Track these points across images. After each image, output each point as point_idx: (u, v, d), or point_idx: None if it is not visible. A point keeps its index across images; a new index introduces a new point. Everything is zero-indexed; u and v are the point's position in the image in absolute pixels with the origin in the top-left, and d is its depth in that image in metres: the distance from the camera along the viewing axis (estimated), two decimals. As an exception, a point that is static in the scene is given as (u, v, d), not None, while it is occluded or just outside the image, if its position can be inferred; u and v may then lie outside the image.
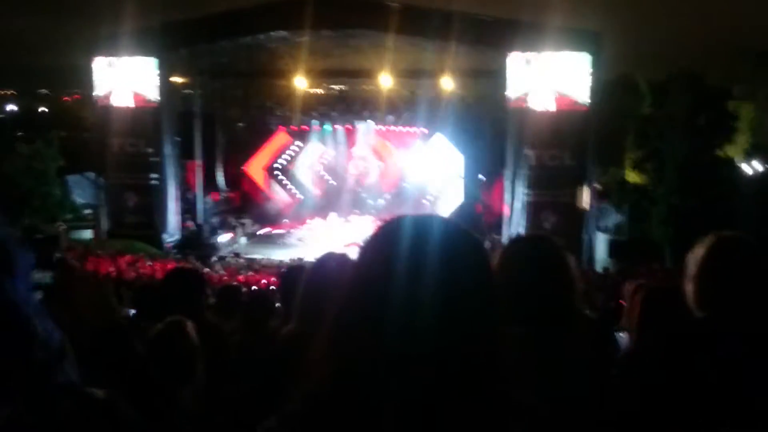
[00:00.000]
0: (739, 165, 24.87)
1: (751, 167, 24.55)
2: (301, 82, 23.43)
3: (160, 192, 21.95)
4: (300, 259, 17.32)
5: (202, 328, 2.98)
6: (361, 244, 1.09)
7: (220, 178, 26.13)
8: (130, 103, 21.74)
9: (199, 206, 23.87)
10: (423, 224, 1.04)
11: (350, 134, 26.89)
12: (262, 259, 21.66)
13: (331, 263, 2.26)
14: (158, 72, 21.46)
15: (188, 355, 2.36)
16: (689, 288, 2.07)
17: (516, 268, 1.68)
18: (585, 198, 20.28)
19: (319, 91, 25.52)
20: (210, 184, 24.98)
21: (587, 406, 1.55)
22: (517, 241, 1.92)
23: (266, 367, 2.12)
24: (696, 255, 2.07)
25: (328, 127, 26.69)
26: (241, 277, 16.48)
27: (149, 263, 17.10)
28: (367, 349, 0.98)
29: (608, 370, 2.06)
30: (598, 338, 2.07)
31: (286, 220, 26.39)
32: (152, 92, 21.60)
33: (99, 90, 21.97)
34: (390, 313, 0.96)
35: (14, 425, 1.09)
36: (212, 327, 3.33)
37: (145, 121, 21.64)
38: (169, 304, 2.92)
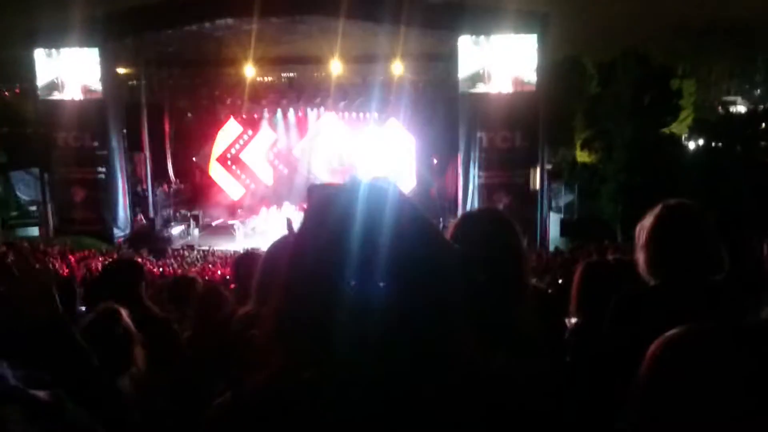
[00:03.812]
0: (683, 141, 25.55)
1: (694, 143, 25.25)
2: (250, 71, 23.12)
3: (108, 186, 21.47)
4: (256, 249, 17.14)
5: (142, 319, 2.94)
6: (305, 215, 1.06)
7: (171, 170, 25.67)
8: (74, 95, 21.16)
9: (150, 199, 23.42)
10: (370, 191, 1.01)
11: (302, 121, 26.70)
12: (217, 250, 21.41)
13: (290, 244, 2.24)
14: (101, 63, 20.91)
15: (123, 342, 2.33)
16: (640, 256, 2.12)
17: (467, 242, 1.69)
18: (537, 179, 20.58)
19: (269, 78, 25.22)
20: (160, 177, 24.53)
21: (540, 375, 1.58)
22: (468, 215, 1.93)
23: (220, 349, 2.10)
24: (645, 224, 2.12)
25: (279, 114, 26.47)
26: (195, 269, 16.26)
27: (100, 259, 16.74)
28: (316, 326, 0.96)
29: (559, 342, 2.10)
30: (550, 310, 2.10)
31: (240, 211, 26.10)
32: (96, 84, 21.06)
33: (40, 83, 21.34)
34: (338, 287, 0.95)
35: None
36: (154, 317, 3.31)
37: (89, 114, 21.10)
38: (108, 297, 2.89)
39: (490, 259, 1.70)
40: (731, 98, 38.56)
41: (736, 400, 0.76)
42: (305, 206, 1.06)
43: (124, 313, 2.50)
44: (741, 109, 35.04)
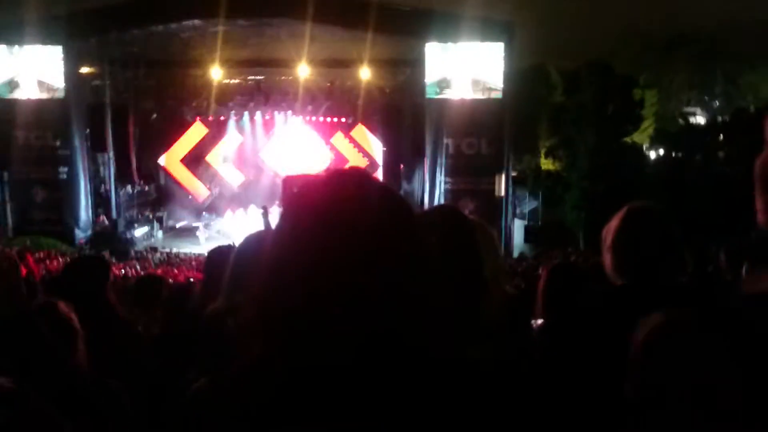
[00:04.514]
0: (644, 150, 26.07)
1: (655, 152, 25.78)
2: (216, 73, 22.95)
3: (70, 186, 21.10)
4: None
5: (106, 319, 2.90)
6: (283, 207, 1.08)
7: (135, 171, 25.31)
8: (35, 94, 20.77)
9: (113, 200, 23.07)
10: (345, 181, 1.04)
11: (269, 125, 26.58)
12: (180, 252, 21.17)
13: (262, 239, 2.26)
14: (64, 61, 20.56)
15: (61, 337, 2.27)
16: (607, 258, 2.18)
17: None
18: (502, 185, 20.80)
19: (236, 81, 25.06)
20: (124, 177, 24.17)
21: (510, 368, 1.61)
22: (423, 213, 1.96)
23: (190, 342, 2.10)
24: (611, 226, 2.18)
25: (245, 117, 26.31)
26: (158, 272, 16.05)
27: (60, 260, 16.43)
28: (298, 313, 0.98)
29: (525, 340, 2.15)
30: (514, 310, 2.15)
31: (205, 213, 25.87)
32: (58, 82, 20.69)
33: (0, 80, 20.89)
34: (319, 274, 0.97)
35: None
36: (119, 317, 3.27)
37: (51, 113, 20.73)
38: (71, 295, 2.84)
39: (444, 254, 1.71)
40: (691, 109, 39.42)
41: (721, 380, 0.79)
42: (282, 197, 1.08)
43: (63, 306, 2.43)
44: (700, 120, 35.84)
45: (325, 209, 1.00)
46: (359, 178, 1.05)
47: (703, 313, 0.86)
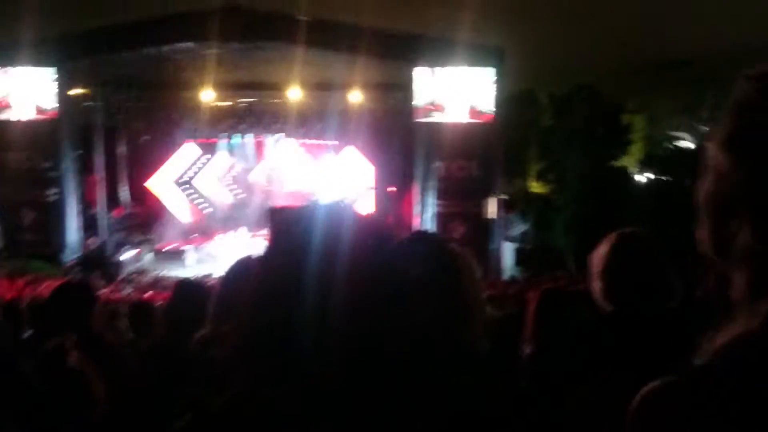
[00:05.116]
0: (632, 175, 26.22)
1: (643, 176, 25.94)
2: (208, 95, 23.00)
3: (59, 208, 20.97)
4: (209, 275, 16.94)
5: (91, 345, 2.88)
6: (268, 237, 1.09)
7: (124, 193, 25.24)
8: (26, 115, 20.72)
9: (102, 223, 22.95)
10: (330, 213, 1.06)
11: (260, 147, 26.60)
12: (169, 276, 21.03)
13: (248, 267, 2.26)
14: (56, 83, 20.55)
15: (75, 380, 2.19)
16: (596, 284, 2.17)
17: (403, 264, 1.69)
18: (492, 208, 20.84)
19: (228, 103, 25.11)
20: (113, 200, 24.08)
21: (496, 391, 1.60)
22: (405, 240, 1.94)
23: (178, 371, 2.08)
24: (600, 252, 2.18)
25: (236, 139, 26.32)
26: (147, 295, 15.93)
27: (47, 283, 16.27)
28: (279, 348, 0.98)
29: (512, 366, 2.14)
30: (502, 336, 2.15)
31: (195, 235, 25.75)
32: (50, 104, 20.66)
33: (-10, 102, 20.84)
34: (300, 305, 0.97)
35: None
36: (104, 342, 3.24)
37: (42, 135, 20.65)
38: (56, 321, 2.82)
39: (425, 281, 1.70)
40: (679, 134, 39.69)
41: None
42: (268, 228, 1.10)
43: (72, 345, 2.37)
44: (688, 144, 36.04)
45: (310, 241, 1.01)
46: (344, 210, 1.07)
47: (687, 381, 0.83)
